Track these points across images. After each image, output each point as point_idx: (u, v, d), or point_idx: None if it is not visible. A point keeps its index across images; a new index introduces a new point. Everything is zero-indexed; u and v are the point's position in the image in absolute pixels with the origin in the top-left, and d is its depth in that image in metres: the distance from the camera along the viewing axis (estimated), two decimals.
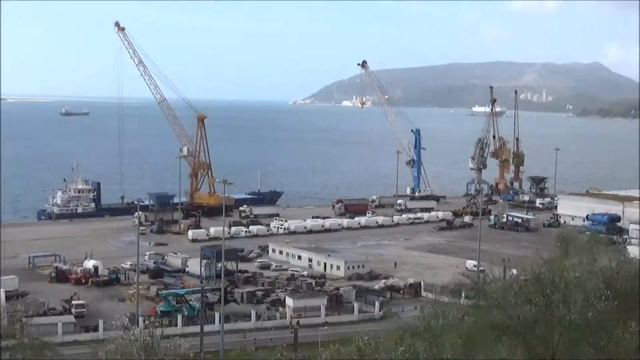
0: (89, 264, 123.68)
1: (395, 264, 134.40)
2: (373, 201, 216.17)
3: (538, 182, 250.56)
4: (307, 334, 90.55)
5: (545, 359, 43.22)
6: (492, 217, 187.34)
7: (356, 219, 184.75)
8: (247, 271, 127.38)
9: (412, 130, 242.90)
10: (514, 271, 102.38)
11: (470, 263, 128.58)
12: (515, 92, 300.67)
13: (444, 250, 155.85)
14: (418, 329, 47.88)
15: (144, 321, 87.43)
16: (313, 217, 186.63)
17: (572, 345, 43.93)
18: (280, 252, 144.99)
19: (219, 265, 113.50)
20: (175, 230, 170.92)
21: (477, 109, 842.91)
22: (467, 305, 50.73)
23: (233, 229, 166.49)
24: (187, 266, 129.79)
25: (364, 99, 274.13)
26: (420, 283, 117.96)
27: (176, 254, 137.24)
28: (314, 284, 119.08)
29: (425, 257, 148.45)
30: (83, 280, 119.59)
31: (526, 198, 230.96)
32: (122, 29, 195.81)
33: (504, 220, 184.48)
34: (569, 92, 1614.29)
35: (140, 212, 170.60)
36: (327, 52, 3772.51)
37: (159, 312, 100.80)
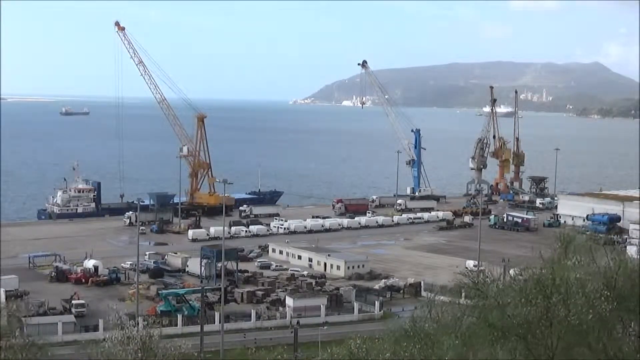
0: (89, 263, 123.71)
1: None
2: (373, 201, 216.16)
3: (538, 182, 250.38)
4: (307, 334, 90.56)
5: None
6: (492, 217, 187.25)
7: (356, 218, 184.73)
8: (247, 271, 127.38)
9: (412, 130, 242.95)
10: (513, 271, 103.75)
11: (470, 263, 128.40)
12: (515, 92, 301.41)
13: (444, 250, 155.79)
14: (409, 331, 47.28)
15: (144, 320, 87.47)
16: (313, 217, 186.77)
17: (571, 346, 43.74)
18: (280, 252, 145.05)
19: (219, 265, 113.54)
20: (175, 230, 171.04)
21: (487, 109, 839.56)
22: (465, 305, 50.11)
23: (233, 228, 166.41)
24: (187, 266, 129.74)
25: (364, 98, 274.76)
26: (420, 283, 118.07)
27: (176, 253, 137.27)
28: (314, 283, 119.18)
29: (425, 257, 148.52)
30: (83, 280, 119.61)
31: (526, 198, 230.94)
32: (122, 29, 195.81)
33: (504, 220, 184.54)
34: (569, 92, 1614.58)
35: (131, 212, 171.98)
36: (327, 52, 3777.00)
37: (159, 312, 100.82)
